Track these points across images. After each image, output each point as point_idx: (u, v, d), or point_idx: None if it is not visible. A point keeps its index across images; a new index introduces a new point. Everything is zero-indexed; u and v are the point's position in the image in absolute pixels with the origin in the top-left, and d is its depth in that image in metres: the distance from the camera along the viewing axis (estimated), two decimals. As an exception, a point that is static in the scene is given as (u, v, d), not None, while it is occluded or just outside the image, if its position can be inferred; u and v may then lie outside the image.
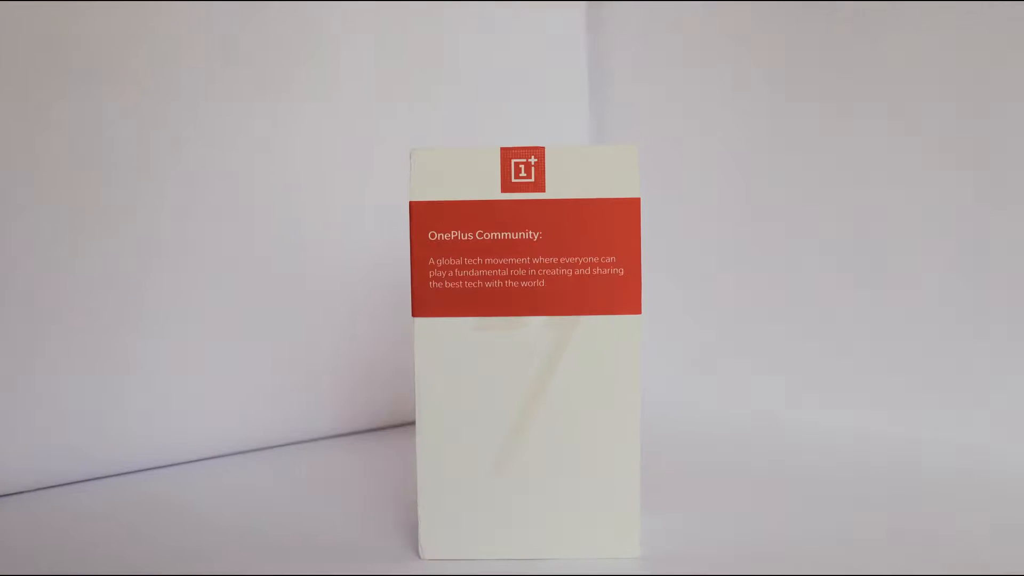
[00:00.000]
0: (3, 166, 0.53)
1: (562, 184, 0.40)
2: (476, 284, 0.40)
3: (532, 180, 0.41)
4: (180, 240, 0.59)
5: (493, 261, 0.40)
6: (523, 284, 0.40)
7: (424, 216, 0.39)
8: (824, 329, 0.66)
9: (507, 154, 0.40)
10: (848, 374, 0.64)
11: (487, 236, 0.40)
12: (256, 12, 0.63)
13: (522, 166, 0.41)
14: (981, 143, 0.58)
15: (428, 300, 0.39)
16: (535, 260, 0.40)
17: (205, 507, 0.49)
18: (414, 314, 0.40)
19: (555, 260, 0.40)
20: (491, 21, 0.75)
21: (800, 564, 0.39)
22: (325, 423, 0.66)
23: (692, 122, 0.74)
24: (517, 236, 0.40)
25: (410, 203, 0.39)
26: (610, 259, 0.40)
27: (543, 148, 0.40)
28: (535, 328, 0.40)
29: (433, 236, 0.39)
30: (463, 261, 0.40)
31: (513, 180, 0.40)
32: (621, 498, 0.40)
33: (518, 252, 0.40)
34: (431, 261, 0.39)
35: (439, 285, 0.39)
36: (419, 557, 0.41)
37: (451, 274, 0.40)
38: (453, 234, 0.40)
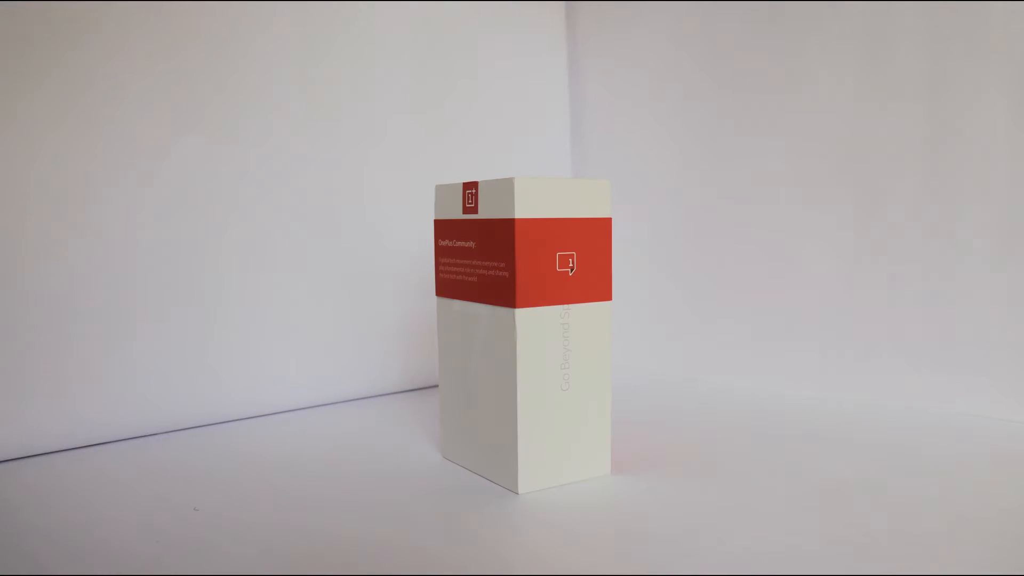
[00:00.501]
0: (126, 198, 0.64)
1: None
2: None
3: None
4: (258, 243, 0.71)
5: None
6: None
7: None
8: (762, 312, 0.82)
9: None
10: (778, 349, 0.81)
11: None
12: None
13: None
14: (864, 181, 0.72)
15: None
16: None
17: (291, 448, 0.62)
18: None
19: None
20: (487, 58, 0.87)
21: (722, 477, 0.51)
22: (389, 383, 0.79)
23: (657, 148, 0.89)
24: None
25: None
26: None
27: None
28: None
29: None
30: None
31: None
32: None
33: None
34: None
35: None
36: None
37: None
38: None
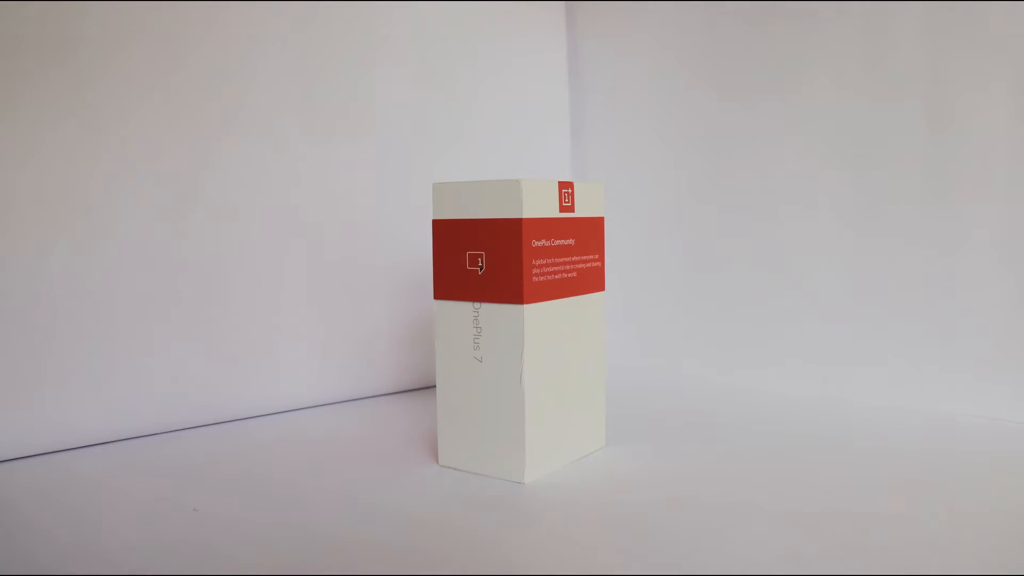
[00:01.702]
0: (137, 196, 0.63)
1: (580, 208, 0.55)
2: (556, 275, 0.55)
3: (570, 205, 0.54)
4: (258, 242, 0.71)
5: (559, 259, 0.55)
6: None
7: (530, 228, 0.52)
8: (745, 310, 0.83)
9: (561, 186, 0.54)
10: (764, 347, 0.81)
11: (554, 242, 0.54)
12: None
13: (567, 195, 0.54)
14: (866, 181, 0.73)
15: (532, 289, 0.52)
16: (573, 258, 0.55)
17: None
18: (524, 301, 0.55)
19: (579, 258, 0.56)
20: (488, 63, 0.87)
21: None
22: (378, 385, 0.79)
23: (655, 152, 0.89)
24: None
25: (523, 220, 0.51)
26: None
27: (572, 183, 0.55)
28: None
29: (534, 244, 0.52)
30: (547, 261, 0.53)
31: (563, 204, 0.54)
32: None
33: (567, 252, 0.55)
34: (534, 262, 0.52)
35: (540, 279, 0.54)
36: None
37: (544, 270, 0.54)
38: (542, 242, 0.54)
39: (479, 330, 0.53)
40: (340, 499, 0.50)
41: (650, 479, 0.53)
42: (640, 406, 0.73)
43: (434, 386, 0.84)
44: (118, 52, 0.63)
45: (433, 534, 0.44)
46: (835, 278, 0.76)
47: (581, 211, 0.55)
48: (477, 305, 0.53)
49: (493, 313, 0.52)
